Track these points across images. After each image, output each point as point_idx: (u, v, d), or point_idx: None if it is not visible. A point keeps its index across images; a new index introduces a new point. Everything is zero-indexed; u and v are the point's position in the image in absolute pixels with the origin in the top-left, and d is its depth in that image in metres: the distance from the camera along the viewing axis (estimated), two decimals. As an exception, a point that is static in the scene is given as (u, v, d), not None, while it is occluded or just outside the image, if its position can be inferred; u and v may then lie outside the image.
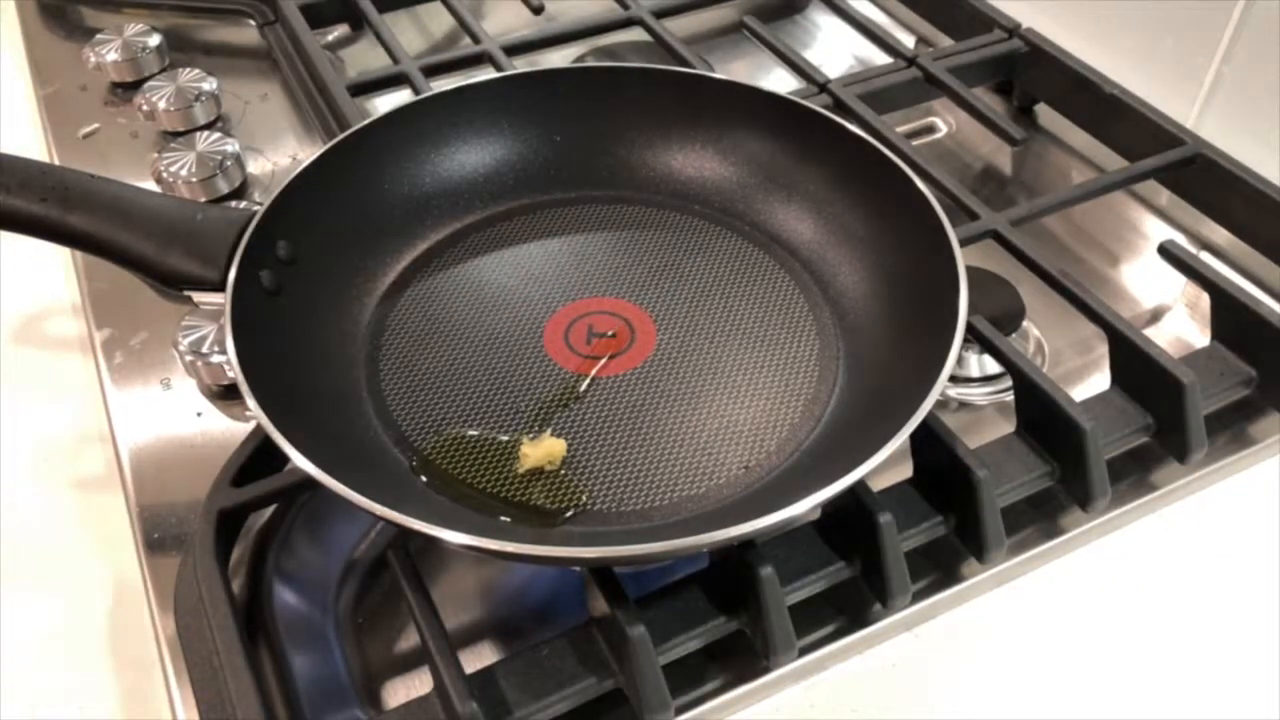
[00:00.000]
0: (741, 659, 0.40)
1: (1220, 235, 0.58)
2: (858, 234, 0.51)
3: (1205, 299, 0.50)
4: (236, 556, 0.44)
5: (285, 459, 0.36)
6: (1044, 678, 0.41)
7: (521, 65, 0.64)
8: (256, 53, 0.75)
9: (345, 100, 0.62)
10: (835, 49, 0.76)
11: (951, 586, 0.43)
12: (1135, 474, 0.47)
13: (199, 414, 0.50)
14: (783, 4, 0.80)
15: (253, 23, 0.76)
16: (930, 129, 0.69)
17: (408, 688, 0.41)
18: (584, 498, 0.42)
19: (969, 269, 0.44)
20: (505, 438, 0.44)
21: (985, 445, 0.45)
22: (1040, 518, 0.45)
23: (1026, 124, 0.68)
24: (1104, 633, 0.42)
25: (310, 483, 0.35)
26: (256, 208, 0.46)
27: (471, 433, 0.44)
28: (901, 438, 0.37)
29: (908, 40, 0.74)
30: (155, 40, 0.71)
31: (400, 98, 0.63)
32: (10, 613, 0.45)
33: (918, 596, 0.42)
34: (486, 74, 0.61)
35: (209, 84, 0.67)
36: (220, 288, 0.43)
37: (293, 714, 0.39)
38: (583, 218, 0.55)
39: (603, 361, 0.47)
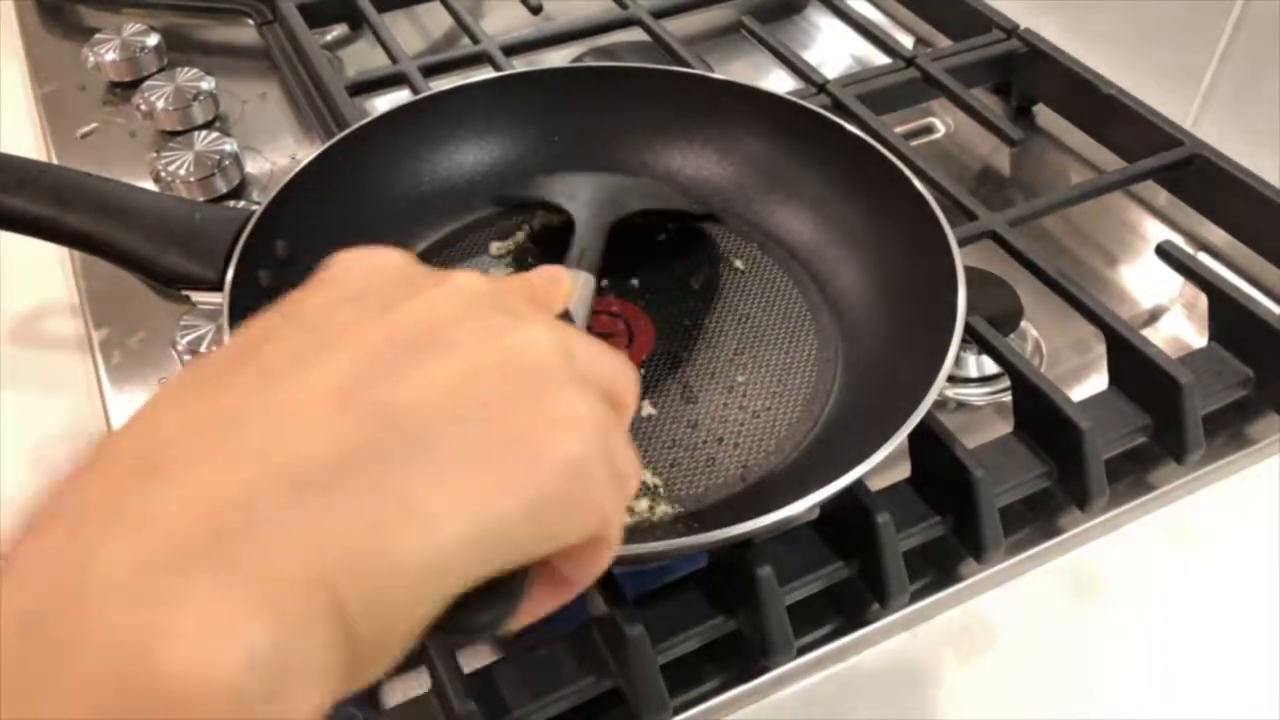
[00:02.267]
0: (740, 659, 0.40)
1: (1218, 236, 0.58)
2: (856, 234, 0.51)
3: (1203, 300, 0.50)
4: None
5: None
6: (1043, 678, 0.41)
7: (520, 65, 0.64)
8: (255, 52, 0.75)
9: (344, 100, 0.62)
10: (834, 49, 0.76)
11: (950, 586, 0.43)
12: (1133, 474, 0.47)
13: (197, 413, 0.50)
14: (781, 4, 0.80)
15: (251, 22, 0.76)
16: (929, 129, 0.69)
17: (406, 687, 0.41)
18: None
19: (967, 269, 0.44)
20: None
21: (983, 445, 0.45)
22: (1038, 518, 0.45)
23: (1025, 124, 0.68)
24: (1103, 632, 0.42)
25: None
26: (255, 207, 0.46)
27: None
28: (900, 438, 0.37)
29: (906, 40, 0.74)
30: (153, 40, 0.71)
31: (399, 97, 0.63)
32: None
33: (916, 596, 0.42)
34: (485, 74, 0.61)
35: (207, 83, 0.67)
36: (218, 287, 0.43)
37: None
38: (581, 218, 0.55)
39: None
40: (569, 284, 0.32)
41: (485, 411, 0.22)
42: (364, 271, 0.26)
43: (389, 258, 0.27)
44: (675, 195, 0.54)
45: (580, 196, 0.48)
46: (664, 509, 0.42)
